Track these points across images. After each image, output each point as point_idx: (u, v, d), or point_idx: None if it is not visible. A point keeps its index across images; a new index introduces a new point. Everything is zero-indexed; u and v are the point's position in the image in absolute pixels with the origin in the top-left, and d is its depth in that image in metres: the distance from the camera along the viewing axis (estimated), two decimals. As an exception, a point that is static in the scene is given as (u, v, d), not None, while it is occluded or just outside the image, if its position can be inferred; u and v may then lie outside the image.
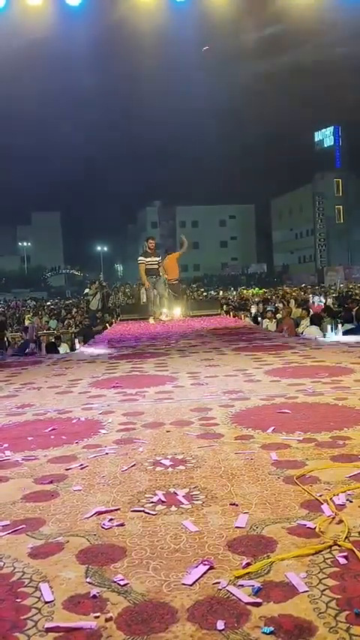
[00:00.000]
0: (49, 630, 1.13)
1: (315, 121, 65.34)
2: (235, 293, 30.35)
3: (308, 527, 1.51)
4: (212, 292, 29.00)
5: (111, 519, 1.65)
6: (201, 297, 24.23)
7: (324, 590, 1.22)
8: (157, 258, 11.34)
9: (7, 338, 11.49)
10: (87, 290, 18.46)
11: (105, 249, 69.83)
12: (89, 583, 1.30)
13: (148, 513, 1.68)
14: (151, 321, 11.16)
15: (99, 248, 69.00)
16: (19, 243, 71.61)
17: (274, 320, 11.62)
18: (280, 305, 15.40)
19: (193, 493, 1.82)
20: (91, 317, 16.13)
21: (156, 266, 11.29)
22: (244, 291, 31.28)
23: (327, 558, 1.35)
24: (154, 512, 1.68)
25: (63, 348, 10.36)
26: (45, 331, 13.05)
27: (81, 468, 2.15)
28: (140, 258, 11.23)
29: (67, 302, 32.75)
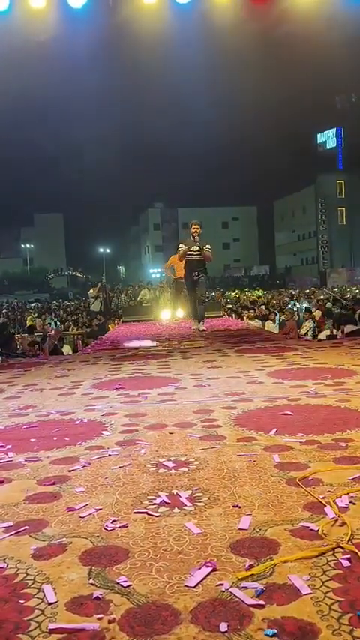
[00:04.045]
0: (52, 631, 1.13)
1: (318, 123, 65.36)
2: (235, 294, 30.36)
3: (311, 530, 1.51)
4: (213, 294, 29.06)
5: (114, 521, 1.65)
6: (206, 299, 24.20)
7: (327, 592, 1.22)
8: (206, 250, 8.52)
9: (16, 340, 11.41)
10: (90, 292, 18.51)
11: (107, 250, 69.86)
12: (92, 584, 1.30)
13: (151, 515, 1.68)
14: (194, 326, 9.00)
15: (101, 250, 69.05)
16: (22, 245, 71.73)
17: (276, 322, 11.62)
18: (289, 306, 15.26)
19: (196, 495, 1.82)
20: (91, 319, 16.17)
21: (198, 257, 8.51)
22: (253, 293, 31.33)
23: (330, 560, 1.35)
24: (156, 514, 1.68)
25: (66, 350, 10.38)
26: (50, 333, 13.04)
27: (83, 469, 2.15)
28: (180, 245, 8.86)
29: (66, 303, 32.76)
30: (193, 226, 8.58)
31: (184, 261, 8.75)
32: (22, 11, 10.86)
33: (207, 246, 8.56)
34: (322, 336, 9.57)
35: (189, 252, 8.52)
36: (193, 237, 8.52)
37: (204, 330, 8.60)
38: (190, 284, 8.77)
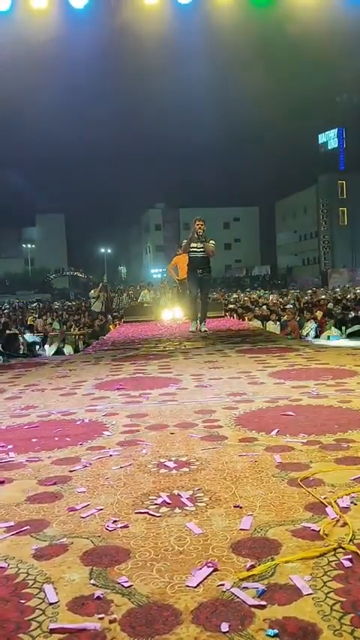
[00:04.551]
0: (53, 631, 1.13)
1: (319, 123, 65.31)
2: (237, 295, 30.41)
3: (312, 530, 1.51)
4: (215, 294, 29.09)
5: (115, 521, 1.65)
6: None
7: (328, 592, 1.21)
8: (209, 244, 8.17)
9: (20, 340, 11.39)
10: (91, 292, 18.53)
11: (109, 251, 69.91)
12: (93, 584, 1.30)
13: (153, 515, 1.68)
14: (192, 327, 8.69)
15: (102, 250, 69.12)
16: (24, 245, 71.77)
17: (277, 322, 11.61)
18: (290, 306, 15.22)
19: (197, 495, 1.82)
20: (93, 319, 16.17)
21: (201, 254, 8.23)
22: (255, 294, 31.39)
23: (331, 561, 1.35)
24: (158, 514, 1.68)
25: (67, 350, 10.37)
26: (51, 333, 13.04)
27: (84, 469, 2.15)
28: (184, 242, 8.58)
29: (67, 303, 32.75)
30: (197, 222, 8.22)
31: (187, 261, 8.52)
32: (24, 11, 10.89)
33: (211, 241, 8.25)
34: (324, 336, 9.57)
35: (192, 250, 8.22)
36: (197, 234, 8.18)
37: (205, 331, 8.56)
38: (193, 282, 8.42)
